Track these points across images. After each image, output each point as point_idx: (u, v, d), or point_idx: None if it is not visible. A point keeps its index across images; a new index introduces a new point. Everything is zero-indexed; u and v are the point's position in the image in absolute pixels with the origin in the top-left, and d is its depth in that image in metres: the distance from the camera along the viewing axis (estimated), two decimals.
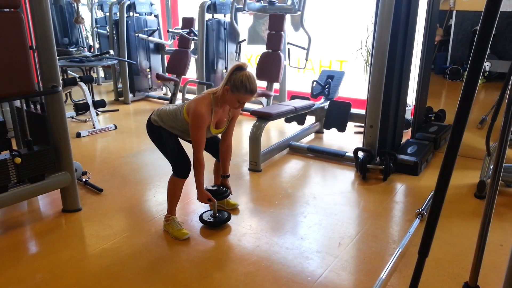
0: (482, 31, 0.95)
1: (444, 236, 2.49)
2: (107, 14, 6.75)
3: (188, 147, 2.47)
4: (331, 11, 5.35)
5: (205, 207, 2.83)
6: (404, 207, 2.97)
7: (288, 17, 5.16)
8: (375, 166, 3.44)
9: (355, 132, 4.69)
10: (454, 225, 2.63)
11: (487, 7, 0.95)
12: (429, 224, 1.17)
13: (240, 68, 2.30)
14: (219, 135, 2.67)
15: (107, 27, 7.09)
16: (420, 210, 2.74)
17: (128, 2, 6.19)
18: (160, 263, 2.28)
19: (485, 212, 1.09)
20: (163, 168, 2.59)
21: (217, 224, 2.67)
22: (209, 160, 2.66)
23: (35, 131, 2.86)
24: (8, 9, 2.40)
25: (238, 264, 2.27)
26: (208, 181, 3.03)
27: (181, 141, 2.55)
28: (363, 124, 3.61)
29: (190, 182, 3.40)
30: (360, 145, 3.61)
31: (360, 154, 3.48)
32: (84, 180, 3.32)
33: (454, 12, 4.48)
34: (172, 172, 2.53)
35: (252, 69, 5.87)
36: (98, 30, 7.80)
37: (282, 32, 4.99)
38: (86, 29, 8.62)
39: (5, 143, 2.65)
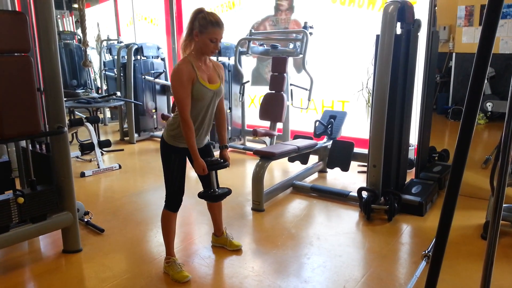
0: (476, 70, 0.98)
1: (451, 279, 2.42)
2: (115, 57, 6.97)
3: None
4: (332, 54, 5.49)
5: (199, 246, 2.79)
6: (410, 249, 2.90)
7: (290, 60, 5.30)
8: (380, 206, 3.40)
9: (358, 172, 4.68)
10: (461, 268, 2.56)
11: (480, 47, 0.98)
12: (433, 267, 1.15)
13: (199, 11, 2.28)
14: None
15: (115, 70, 7.29)
16: (426, 252, 2.68)
17: (136, 46, 6.41)
18: None
19: (487, 254, 1.07)
20: None
21: (217, 197, 2.57)
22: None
23: (39, 171, 2.89)
24: (18, 53, 2.49)
25: None
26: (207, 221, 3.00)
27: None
28: (366, 164, 3.61)
29: (190, 221, 3.38)
30: (364, 185, 3.59)
31: (364, 194, 3.45)
32: (86, 220, 3.30)
33: (454, 54, 4.58)
34: (164, 205, 2.51)
35: (255, 109, 5.96)
36: (106, 73, 8.03)
37: (285, 74, 5.10)
38: (94, 72, 8.87)
39: (9, 182, 2.67)
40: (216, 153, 2.62)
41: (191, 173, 2.38)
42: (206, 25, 2.25)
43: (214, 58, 5.63)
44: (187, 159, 2.49)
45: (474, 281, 2.40)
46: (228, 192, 2.62)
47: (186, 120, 2.28)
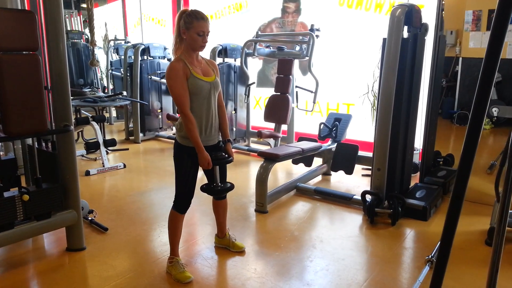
0: (484, 76, 0.97)
1: (454, 285, 2.41)
2: (122, 57, 7.00)
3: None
4: (338, 57, 5.49)
5: (201, 247, 2.80)
6: (413, 254, 2.89)
7: (296, 62, 5.30)
8: (383, 210, 3.39)
9: (362, 175, 4.67)
10: (464, 274, 2.55)
11: (488, 52, 0.97)
12: (437, 272, 1.14)
13: (183, 11, 2.36)
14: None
15: (122, 69, 7.33)
16: (430, 257, 2.67)
17: (143, 47, 6.44)
18: None
19: (492, 260, 1.06)
20: (170, 208, 2.60)
21: (219, 192, 2.58)
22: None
23: (45, 169, 2.91)
24: (27, 52, 2.51)
25: None
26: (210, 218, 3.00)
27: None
28: (370, 167, 3.60)
29: (194, 222, 3.38)
30: (368, 188, 3.59)
31: (368, 197, 3.44)
32: (90, 218, 3.32)
33: (460, 59, 4.56)
34: (172, 205, 2.53)
35: (260, 111, 5.96)
36: (113, 72, 8.07)
37: (291, 76, 5.11)
38: (101, 71, 8.92)
39: (14, 180, 2.69)
40: None
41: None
42: (191, 21, 2.31)
43: (220, 60, 5.70)
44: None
45: (477, 287, 2.39)
46: (230, 187, 2.62)
47: (186, 114, 2.31)
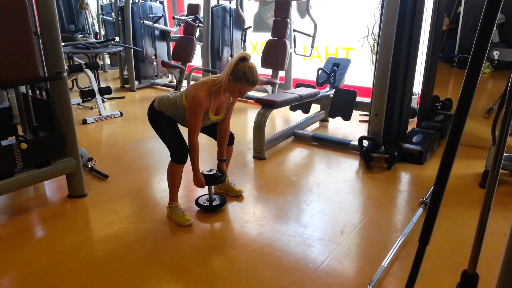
0: (486, 15, 0.93)
1: (447, 225, 2.49)
2: (113, 0, 6.72)
3: (184, 131, 2.47)
4: None
5: (201, 191, 2.85)
6: (408, 196, 2.96)
7: (294, 4, 5.10)
8: (380, 154, 3.43)
9: (360, 121, 4.67)
10: (457, 215, 2.63)
11: None
12: (430, 211, 1.16)
13: (244, 59, 2.33)
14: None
15: (113, 14, 7.07)
16: (424, 199, 2.74)
17: None
18: (164, 249, 2.31)
19: (485, 200, 1.08)
20: (168, 155, 2.62)
21: (212, 208, 2.72)
22: (208, 147, 2.66)
23: (41, 117, 2.89)
24: None
25: (241, 250, 2.29)
26: (209, 165, 3.04)
27: (179, 126, 2.57)
28: (368, 113, 3.59)
29: None
30: (365, 134, 3.60)
31: (365, 143, 3.46)
32: (89, 166, 3.35)
33: (463, 0, 4.40)
34: (170, 159, 2.56)
35: (256, 58, 5.84)
36: (104, 17, 7.79)
37: (288, 19, 4.94)
38: (92, 16, 8.61)
39: (11, 129, 2.67)
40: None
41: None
42: (241, 79, 2.31)
43: (214, 2, 5.48)
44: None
45: (469, 226, 2.47)
46: (222, 203, 2.76)
47: (194, 144, 2.44)
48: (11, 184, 2.56)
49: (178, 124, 2.58)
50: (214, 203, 2.74)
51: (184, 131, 2.53)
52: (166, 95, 2.57)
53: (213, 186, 2.73)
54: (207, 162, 3.42)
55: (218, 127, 2.69)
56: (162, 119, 2.54)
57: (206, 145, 3.67)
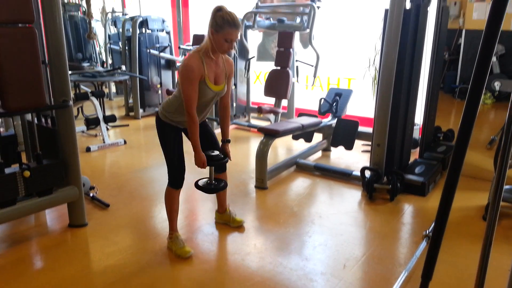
0: (484, 48, 0.95)
1: (451, 259, 2.45)
2: (120, 30, 6.89)
3: (189, 148, 2.47)
4: (339, 30, 5.39)
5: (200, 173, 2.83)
6: (411, 229, 2.93)
7: (297, 35, 5.21)
8: (382, 185, 3.41)
9: (362, 151, 4.67)
10: (461, 248, 2.59)
11: (488, 23, 0.95)
12: (432, 246, 1.15)
13: (219, 9, 2.29)
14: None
15: (120, 43, 7.22)
16: (427, 232, 2.71)
17: (141, 19, 6.31)
18: (163, 282, 2.28)
19: (486, 234, 1.08)
20: None
21: (212, 190, 2.62)
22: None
23: (45, 145, 2.91)
24: (22, 24, 2.47)
25: (242, 284, 2.25)
26: (211, 202, 3.03)
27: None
28: (370, 143, 3.60)
29: (194, 198, 3.41)
30: (368, 164, 3.60)
31: (367, 173, 3.46)
32: (91, 194, 3.35)
33: (464, 31, 4.47)
34: (167, 182, 2.54)
35: (260, 85, 5.91)
36: (111, 46, 7.96)
37: (291, 50, 5.03)
38: (99, 45, 8.80)
39: (15, 156, 2.70)
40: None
41: (191, 150, 2.40)
42: (222, 25, 2.24)
43: None
44: (183, 134, 2.52)
45: (473, 261, 2.42)
46: (223, 186, 2.63)
47: (192, 115, 2.31)
48: (13, 212, 2.56)
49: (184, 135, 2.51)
50: (214, 186, 2.59)
51: (188, 147, 2.50)
52: (167, 98, 2.53)
53: (214, 217, 2.71)
54: None
55: (219, 105, 2.63)
56: (168, 133, 2.46)
57: None
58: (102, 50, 8.74)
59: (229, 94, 2.59)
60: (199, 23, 7.48)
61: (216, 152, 2.51)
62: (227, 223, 2.92)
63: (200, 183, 2.59)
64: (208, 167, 2.49)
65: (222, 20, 2.24)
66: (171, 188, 2.54)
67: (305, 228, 2.91)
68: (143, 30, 6.41)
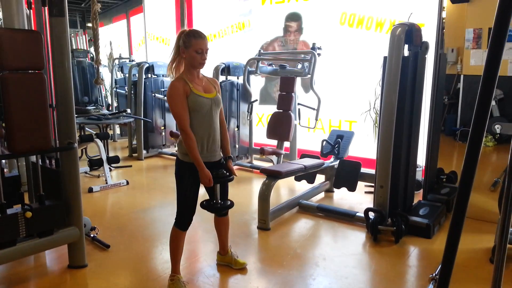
0: (482, 92, 0.99)
1: None
2: (127, 75, 7.10)
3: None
4: (340, 75, 5.53)
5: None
6: (417, 272, 2.86)
7: (298, 80, 5.35)
8: (387, 227, 3.37)
9: (365, 192, 4.65)
10: None
11: (486, 68, 0.99)
12: None
13: (181, 32, 2.43)
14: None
15: (126, 87, 7.42)
16: (434, 275, 2.64)
17: (147, 65, 6.53)
18: None
19: (494, 278, 1.06)
20: (172, 225, 2.61)
21: (219, 210, 2.57)
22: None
23: (48, 186, 2.92)
24: (32, 71, 2.56)
25: None
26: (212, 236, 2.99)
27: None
28: (373, 184, 3.60)
29: (196, 239, 3.37)
30: (371, 205, 3.57)
31: (371, 215, 3.42)
32: (92, 235, 3.31)
33: (462, 76, 4.59)
34: (174, 222, 2.52)
35: (263, 128, 5.99)
36: (117, 90, 8.17)
37: (293, 94, 5.15)
38: (106, 89, 9.03)
39: (17, 197, 2.70)
40: None
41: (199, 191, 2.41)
42: (189, 40, 2.37)
43: (223, 78, 5.77)
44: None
45: None
46: (230, 205, 2.61)
47: (186, 131, 2.34)
48: (12, 253, 2.52)
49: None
50: (221, 205, 2.55)
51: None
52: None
53: (216, 258, 2.66)
54: None
55: None
56: (182, 167, 2.46)
57: None
58: (108, 94, 8.96)
59: (222, 110, 2.62)
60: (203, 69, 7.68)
61: (221, 170, 2.49)
62: (229, 264, 2.86)
63: (206, 202, 2.57)
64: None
65: (187, 36, 2.38)
66: (177, 229, 2.51)
67: (309, 270, 2.85)
68: (149, 75, 6.61)
